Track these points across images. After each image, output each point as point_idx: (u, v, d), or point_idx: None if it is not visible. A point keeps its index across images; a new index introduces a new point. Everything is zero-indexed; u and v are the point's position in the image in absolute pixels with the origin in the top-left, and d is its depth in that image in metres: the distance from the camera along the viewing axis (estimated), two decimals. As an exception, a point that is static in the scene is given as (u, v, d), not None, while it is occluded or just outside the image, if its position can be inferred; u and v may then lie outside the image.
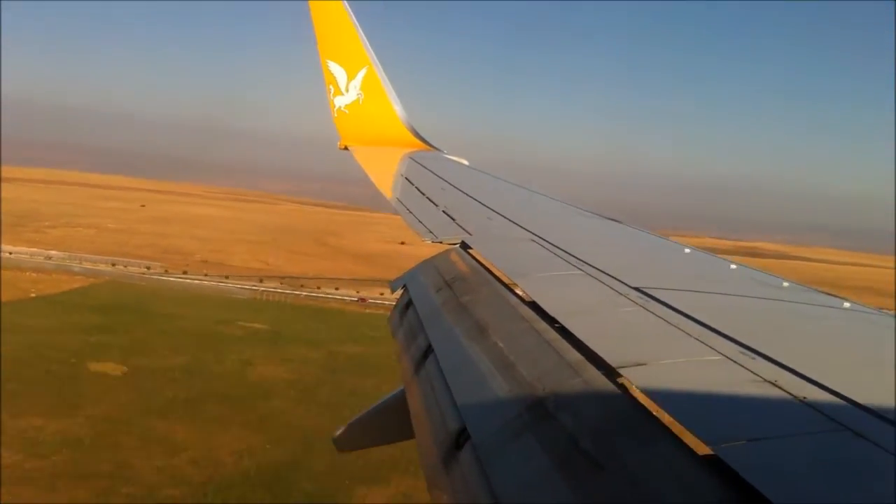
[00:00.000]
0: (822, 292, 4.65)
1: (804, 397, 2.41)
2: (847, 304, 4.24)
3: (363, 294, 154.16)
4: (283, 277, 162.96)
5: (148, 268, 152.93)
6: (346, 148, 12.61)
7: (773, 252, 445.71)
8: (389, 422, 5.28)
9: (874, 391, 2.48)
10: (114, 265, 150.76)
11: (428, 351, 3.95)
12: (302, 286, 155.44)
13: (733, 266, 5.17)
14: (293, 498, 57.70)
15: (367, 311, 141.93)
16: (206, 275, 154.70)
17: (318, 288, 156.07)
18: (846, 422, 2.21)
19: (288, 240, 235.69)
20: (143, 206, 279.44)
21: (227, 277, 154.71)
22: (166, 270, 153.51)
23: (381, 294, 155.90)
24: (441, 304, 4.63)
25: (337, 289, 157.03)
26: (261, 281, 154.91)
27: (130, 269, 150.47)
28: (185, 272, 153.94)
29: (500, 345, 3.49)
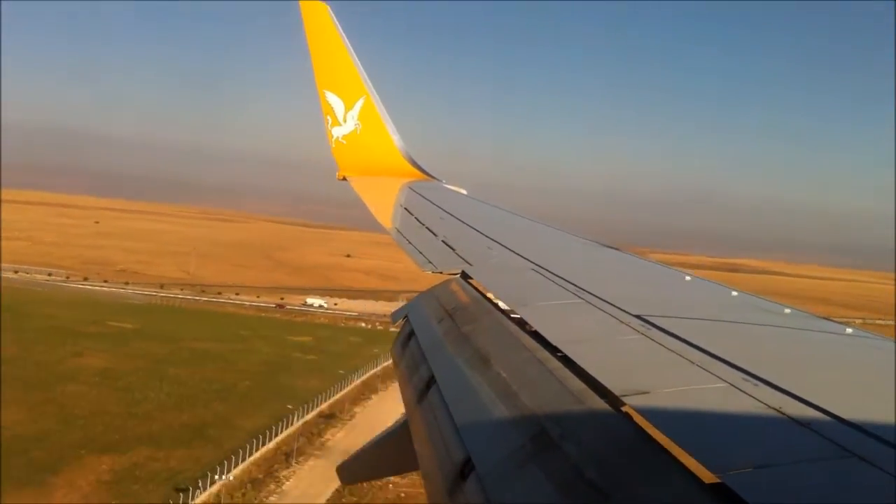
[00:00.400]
0: (824, 318, 4.72)
1: (809, 424, 2.40)
2: (849, 330, 4.23)
3: (263, 299, 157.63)
4: (192, 285, 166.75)
5: (50, 275, 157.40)
6: (344, 178, 12.73)
7: (753, 268, 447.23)
8: (393, 453, 5.29)
9: (879, 417, 2.49)
10: (16, 272, 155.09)
11: (430, 381, 3.94)
12: (203, 292, 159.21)
13: (734, 293, 5.18)
14: (13, 463, 60.22)
15: (264, 314, 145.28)
16: (105, 281, 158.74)
17: (219, 294, 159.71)
18: (852, 448, 2.20)
19: (231, 253, 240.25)
20: (97, 222, 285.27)
21: (126, 284, 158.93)
22: (68, 277, 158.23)
23: (282, 298, 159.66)
24: (443, 335, 4.63)
25: (237, 294, 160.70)
26: (161, 287, 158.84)
27: (35, 276, 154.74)
28: (85, 279, 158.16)
29: (503, 374, 3.50)
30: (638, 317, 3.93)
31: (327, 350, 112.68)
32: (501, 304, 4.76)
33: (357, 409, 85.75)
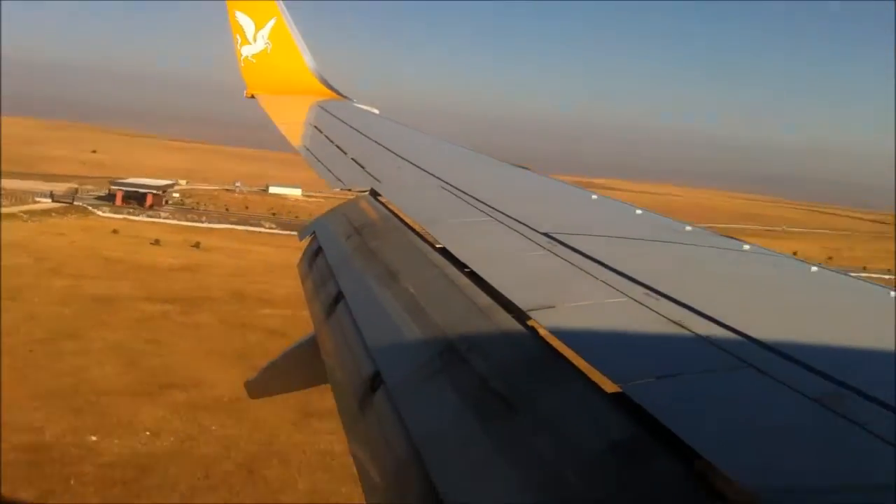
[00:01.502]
0: (724, 236, 4.79)
1: (708, 337, 2.47)
2: (747, 247, 4.35)
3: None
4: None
5: None
6: (252, 97, 12.44)
7: (604, 185, 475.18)
8: (301, 368, 5.35)
9: (775, 329, 2.59)
10: None
11: (338, 297, 3.95)
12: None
13: (638, 211, 5.30)
14: None
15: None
16: None
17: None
18: (749, 359, 2.29)
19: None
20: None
21: None
22: None
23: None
24: (351, 251, 4.65)
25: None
26: None
27: None
28: None
29: (412, 290, 3.52)
30: (545, 234, 3.97)
31: None
32: (411, 222, 4.78)
33: None
